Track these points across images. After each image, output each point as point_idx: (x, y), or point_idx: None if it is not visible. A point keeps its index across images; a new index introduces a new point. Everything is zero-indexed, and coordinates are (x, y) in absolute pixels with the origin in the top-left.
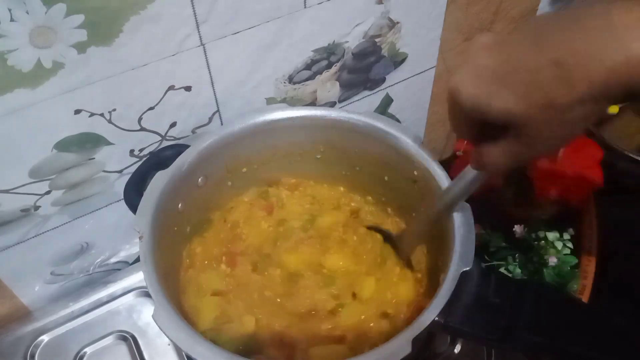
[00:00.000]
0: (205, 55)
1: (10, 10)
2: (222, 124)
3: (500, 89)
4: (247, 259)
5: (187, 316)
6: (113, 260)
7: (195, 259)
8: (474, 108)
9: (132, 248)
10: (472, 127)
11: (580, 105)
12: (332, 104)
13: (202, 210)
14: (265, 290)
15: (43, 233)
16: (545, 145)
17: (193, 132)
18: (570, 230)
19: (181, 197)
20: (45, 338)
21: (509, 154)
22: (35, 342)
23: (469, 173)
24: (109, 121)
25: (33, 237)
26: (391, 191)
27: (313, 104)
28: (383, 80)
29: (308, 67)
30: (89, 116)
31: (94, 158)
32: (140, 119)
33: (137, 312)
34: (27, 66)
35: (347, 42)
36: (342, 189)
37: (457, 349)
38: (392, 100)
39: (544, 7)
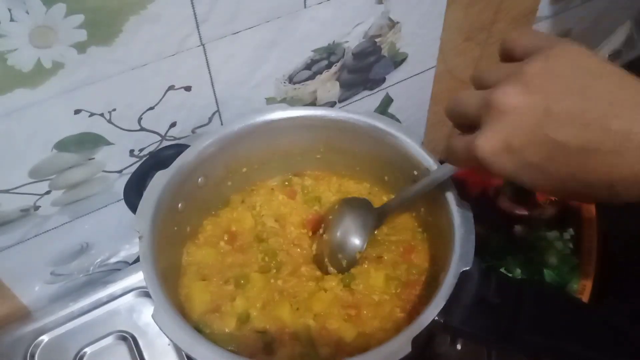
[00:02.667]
0: (205, 55)
1: (10, 10)
2: (222, 124)
3: (523, 164)
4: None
5: (182, 306)
6: (113, 260)
7: (202, 236)
8: (494, 170)
9: (132, 248)
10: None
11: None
12: (332, 104)
13: (203, 210)
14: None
15: (43, 233)
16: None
17: (193, 132)
18: (571, 230)
19: (181, 197)
20: (45, 338)
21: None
22: (35, 342)
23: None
24: (109, 121)
25: (33, 237)
26: (391, 191)
27: (313, 104)
28: (383, 80)
29: (308, 67)
30: (89, 116)
31: (93, 158)
32: (140, 119)
33: (137, 312)
34: (27, 66)
35: (347, 42)
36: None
37: (457, 349)
38: (392, 100)
39: (544, 7)
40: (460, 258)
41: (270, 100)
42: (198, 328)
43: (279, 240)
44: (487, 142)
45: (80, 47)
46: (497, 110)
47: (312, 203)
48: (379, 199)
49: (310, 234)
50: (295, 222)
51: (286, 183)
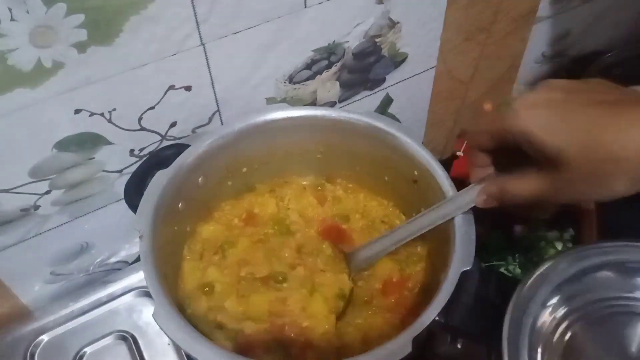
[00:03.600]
0: (206, 55)
1: (10, 9)
2: (222, 124)
3: (563, 125)
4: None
5: (182, 301)
6: (113, 260)
7: (217, 214)
8: (525, 134)
9: (132, 248)
10: (499, 148)
11: (629, 180)
12: (332, 104)
13: (203, 210)
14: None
15: (43, 233)
16: (572, 195)
17: (193, 131)
18: (570, 230)
19: (181, 196)
20: (45, 338)
21: (534, 190)
22: (35, 341)
23: (465, 195)
24: (109, 121)
25: (33, 236)
26: (392, 191)
27: (313, 103)
28: (383, 80)
29: (308, 67)
30: (89, 116)
31: (94, 158)
32: (140, 119)
33: (137, 312)
34: (27, 66)
35: (347, 42)
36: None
37: (457, 348)
38: (392, 100)
39: (544, 7)
40: (460, 258)
41: (270, 100)
42: (182, 308)
43: (298, 229)
44: None
45: (81, 47)
46: None
47: (340, 220)
48: (396, 219)
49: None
50: (317, 227)
51: (319, 188)
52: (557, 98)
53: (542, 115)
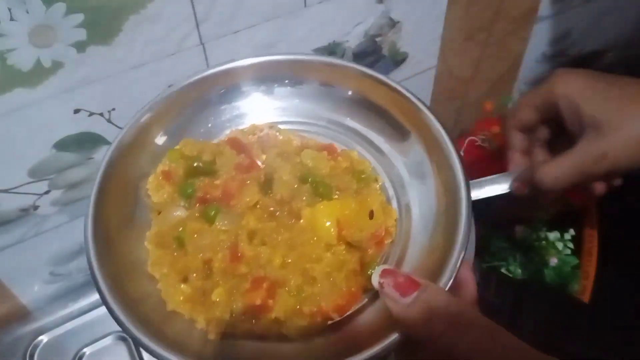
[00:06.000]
0: (205, 55)
1: (9, 9)
2: None
3: (598, 94)
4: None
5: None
6: None
7: None
8: (565, 97)
9: None
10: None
11: None
12: None
13: None
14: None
15: (42, 233)
16: (607, 166)
17: None
18: (571, 230)
19: None
20: (44, 338)
21: (577, 167)
22: (34, 342)
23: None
24: (109, 120)
25: (32, 237)
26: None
27: None
28: None
29: None
30: (89, 115)
31: (93, 158)
32: None
33: None
34: (26, 65)
35: (347, 41)
36: None
37: None
38: None
39: (544, 7)
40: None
41: None
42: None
43: None
44: None
45: (80, 47)
46: None
47: None
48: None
49: None
50: None
51: None
52: (593, 73)
53: (579, 81)
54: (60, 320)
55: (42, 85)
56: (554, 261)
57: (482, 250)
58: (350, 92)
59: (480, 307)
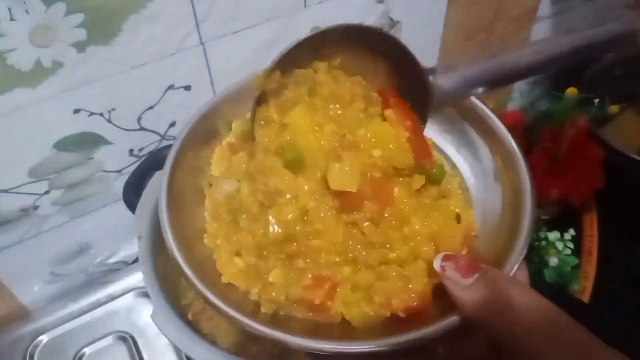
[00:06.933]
0: (205, 55)
1: (10, 9)
2: None
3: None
4: None
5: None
6: (112, 260)
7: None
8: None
9: (132, 248)
10: None
11: None
12: None
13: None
14: None
15: (42, 233)
16: None
17: None
18: (571, 230)
19: None
20: (44, 338)
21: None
22: (34, 342)
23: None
24: (108, 121)
25: (32, 237)
26: None
27: None
28: None
29: None
30: (88, 115)
31: (93, 158)
32: (139, 119)
33: (136, 313)
34: (26, 65)
35: None
36: None
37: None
38: None
39: (544, 7)
40: None
41: None
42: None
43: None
44: None
45: (80, 47)
46: None
47: None
48: None
49: None
50: None
51: None
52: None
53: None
54: (60, 320)
55: (42, 85)
56: (554, 261)
57: None
58: None
59: None
